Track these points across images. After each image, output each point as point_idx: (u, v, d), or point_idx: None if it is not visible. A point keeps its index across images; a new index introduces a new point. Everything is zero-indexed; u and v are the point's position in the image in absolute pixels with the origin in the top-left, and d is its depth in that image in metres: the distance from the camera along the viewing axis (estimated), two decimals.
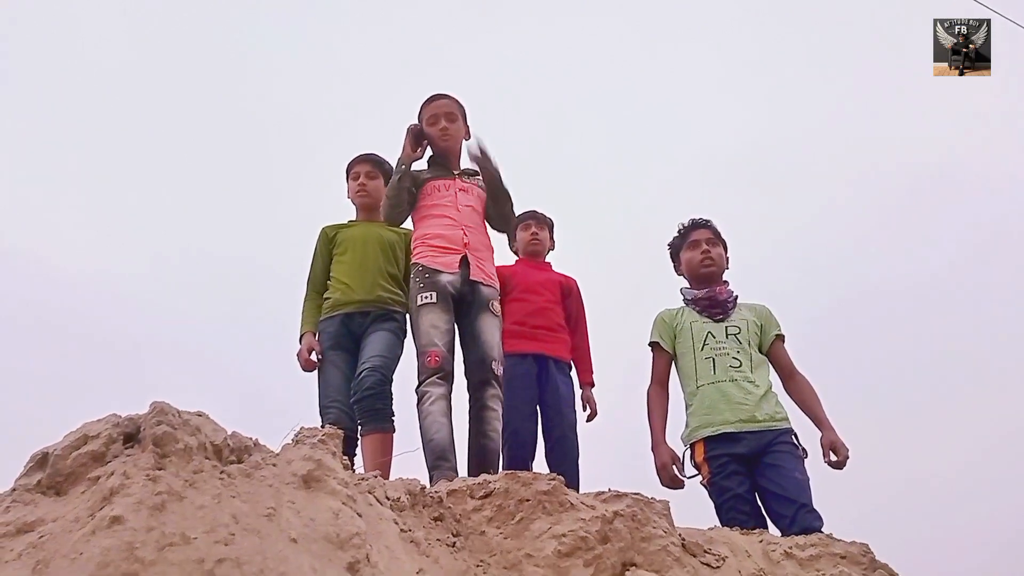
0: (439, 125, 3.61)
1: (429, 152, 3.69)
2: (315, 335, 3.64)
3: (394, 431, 3.37)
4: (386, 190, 3.59)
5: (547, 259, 4.36)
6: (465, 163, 3.72)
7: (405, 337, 3.60)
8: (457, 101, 3.71)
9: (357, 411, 3.33)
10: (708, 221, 3.69)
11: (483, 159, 3.52)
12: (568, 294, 4.17)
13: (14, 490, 1.65)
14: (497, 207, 3.58)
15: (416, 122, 3.65)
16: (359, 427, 3.36)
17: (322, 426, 3.24)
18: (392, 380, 3.45)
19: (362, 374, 3.37)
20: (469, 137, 3.69)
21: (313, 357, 3.59)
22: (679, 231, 3.71)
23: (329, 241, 3.82)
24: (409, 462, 3.06)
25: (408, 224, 3.67)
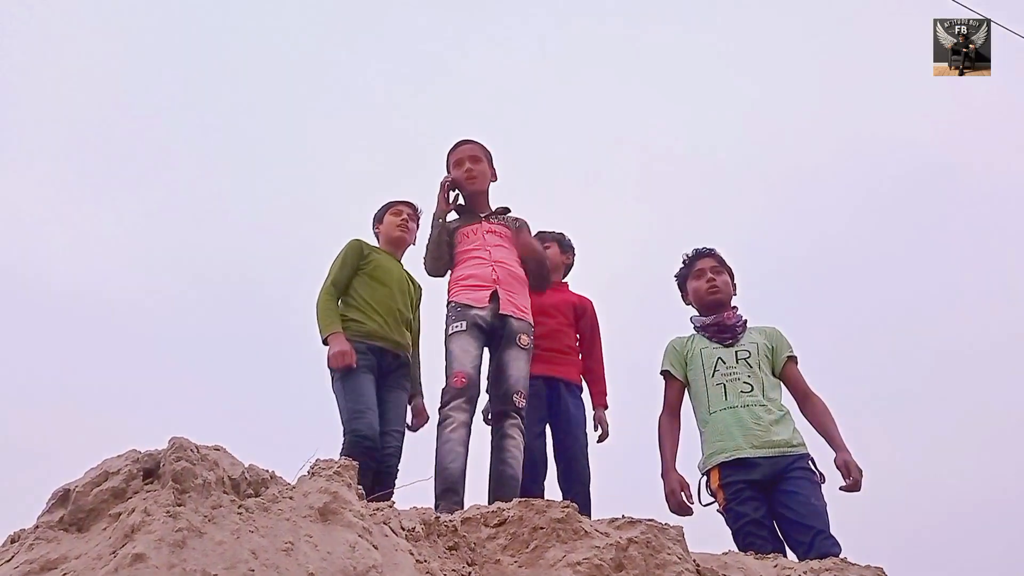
0: (464, 167, 3.77)
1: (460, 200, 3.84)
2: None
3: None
4: (428, 245, 3.72)
5: (565, 279, 4.33)
6: (494, 200, 3.87)
7: None
8: (481, 145, 3.87)
9: (369, 473, 3.32)
10: (712, 250, 3.72)
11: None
12: (582, 315, 4.15)
13: (37, 527, 1.67)
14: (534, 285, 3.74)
15: (448, 176, 3.80)
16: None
17: (347, 430, 3.34)
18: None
19: (389, 450, 3.49)
20: (496, 179, 3.86)
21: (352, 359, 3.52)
22: (684, 261, 3.74)
23: (362, 256, 3.81)
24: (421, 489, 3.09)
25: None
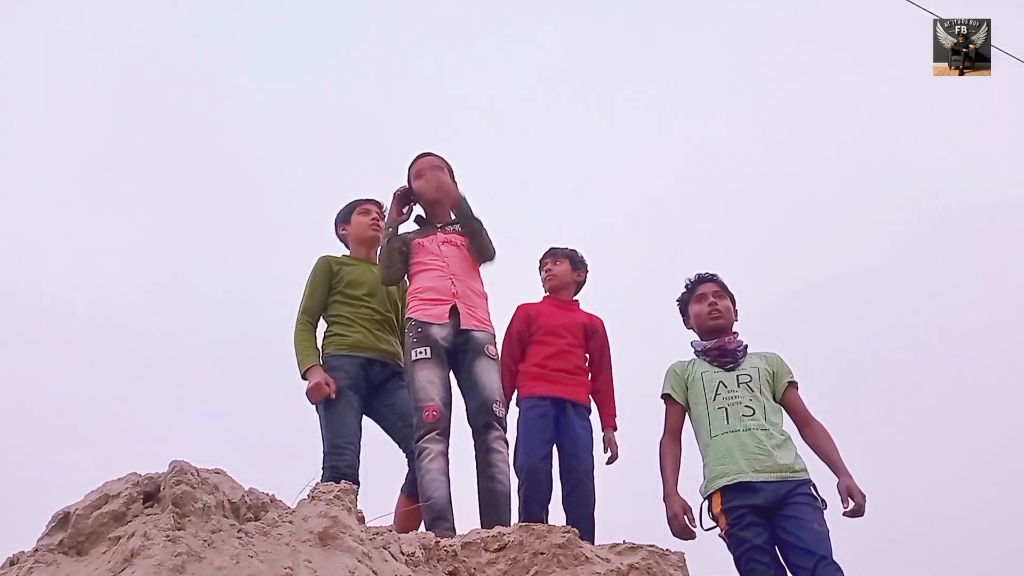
0: (425, 178, 3.77)
1: (418, 212, 3.84)
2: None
3: None
4: (379, 254, 3.71)
5: (577, 296, 4.30)
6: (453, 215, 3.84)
7: None
8: (441, 157, 3.87)
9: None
10: (714, 275, 3.73)
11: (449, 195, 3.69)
12: (592, 335, 4.12)
13: (36, 550, 1.68)
14: (473, 243, 3.69)
15: (404, 185, 3.80)
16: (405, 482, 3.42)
17: (327, 464, 3.33)
18: None
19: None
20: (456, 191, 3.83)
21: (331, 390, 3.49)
22: (686, 286, 3.75)
23: (332, 274, 3.79)
24: None
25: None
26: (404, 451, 3.56)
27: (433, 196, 3.77)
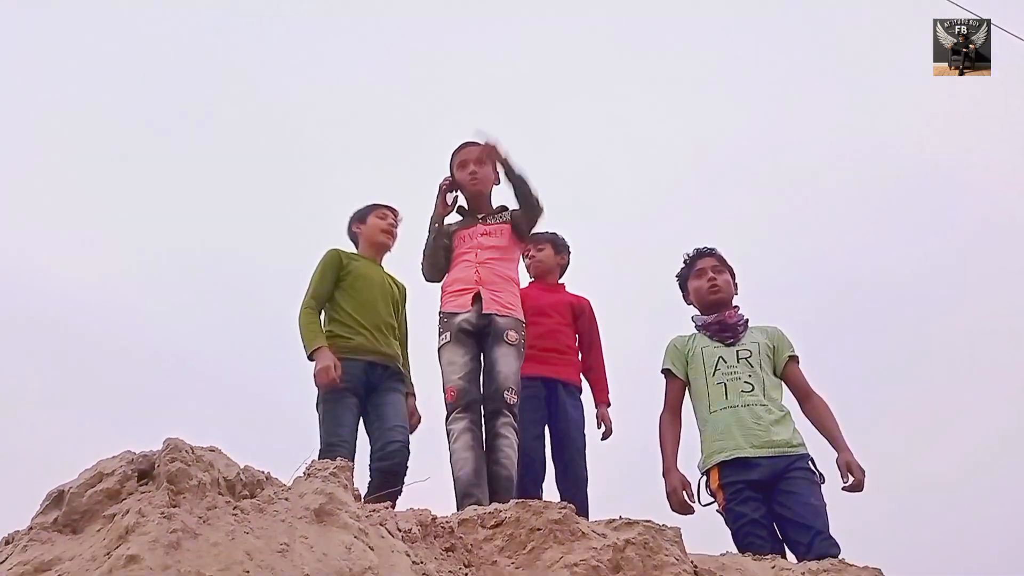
0: (468, 170, 3.75)
1: (461, 203, 3.82)
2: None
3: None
4: (424, 250, 3.72)
5: (561, 280, 4.31)
6: (495, 201, 3.83)
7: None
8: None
9: (378, 475, 3.37)
10: (713, 249, 3.72)
11: (504, 164, 3.63)
12: (580, 315, 4.14)
13: (31, 528, 1.67)
14: (526, 216, 3.67)
15: (447, 176, 3.79)
16: (371, 486, 3.37)
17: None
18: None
19: (395, 446, 3.42)
20: (499, 182, 3.79)
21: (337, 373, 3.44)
22: (685, 261, 3.74)
23: (341, 267, 3.75)
24: (419, 493, 3.09)
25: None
26: (371, 451, 3.50)
27: (477, 191, 3.75)
